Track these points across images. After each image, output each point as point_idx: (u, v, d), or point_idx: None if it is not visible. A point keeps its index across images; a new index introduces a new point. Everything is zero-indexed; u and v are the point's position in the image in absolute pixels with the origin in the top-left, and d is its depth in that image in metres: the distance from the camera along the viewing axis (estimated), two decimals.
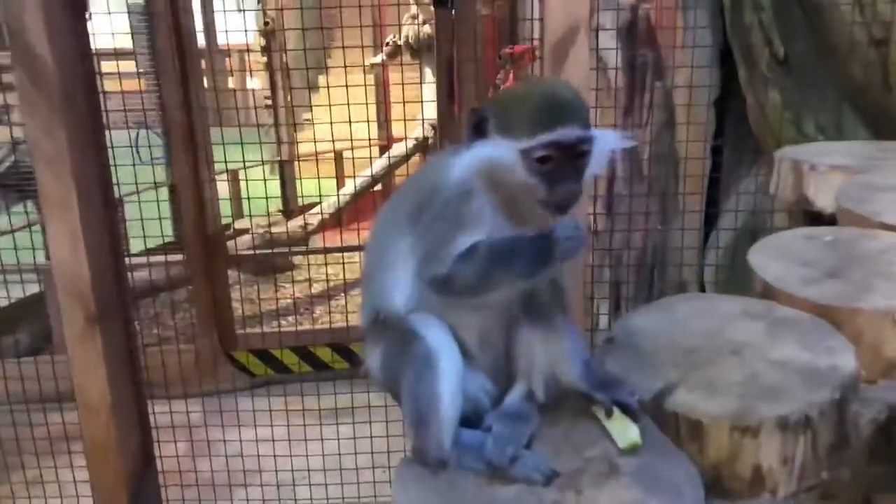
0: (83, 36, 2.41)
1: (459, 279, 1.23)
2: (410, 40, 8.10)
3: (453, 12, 4.43)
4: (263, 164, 5.24)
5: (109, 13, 3.97)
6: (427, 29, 7.77)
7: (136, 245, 4.80)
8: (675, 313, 1.69)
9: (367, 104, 3.54)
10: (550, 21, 2.25)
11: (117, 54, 4.38)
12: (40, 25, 2.19)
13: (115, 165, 2.72)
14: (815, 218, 2.51)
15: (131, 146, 4.70)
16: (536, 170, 1.20)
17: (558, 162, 1.20)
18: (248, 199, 4.61)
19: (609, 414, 1.31)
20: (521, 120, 1.20)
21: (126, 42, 5.03)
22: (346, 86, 3.55)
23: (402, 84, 4.20)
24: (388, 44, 8.24)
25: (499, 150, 1.21)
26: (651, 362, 1.48)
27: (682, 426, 1.34)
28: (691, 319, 1.65)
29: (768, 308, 1.66)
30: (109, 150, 2.56)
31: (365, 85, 3.67)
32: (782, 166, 2.67)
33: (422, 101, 7.60)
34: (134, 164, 3.88)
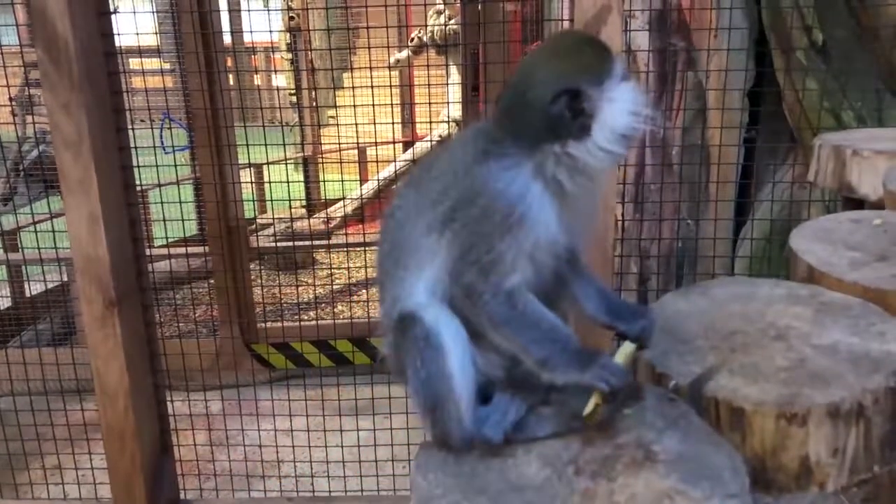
0: (105, 16, 2.38)
1: (489, 317, 1.19)
2: (436, 36, 8.04)
3: (479, 7, 4.37)
4: (287, 161, 5.22)
5: (135, 13, 3.95)
6: (453, 25, 7.70)
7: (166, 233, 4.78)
8: (712, 297, 1.59)
9: (391, 105, 3.47)
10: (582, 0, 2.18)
11: (141, 52, 4.35)
12: (62, 4, 2.16)
13: (139, 166, 2.69)
14: (858, 206, 2.39)
15: (156, 128, 4.69)
16: None
17: None
18: (271, 194, 4.58)
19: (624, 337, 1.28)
20: (600, 59, 1.19)
21: (152, 40, 5.04)
22: (371, 86, 3.50)
23: (428, 84, 4.14)
24: (413, 40, 8.19)
25: (628, 94, 1.19)
26: (688, 346, 1.39)
27: (722, 413, 1.25)
28: (731, 303, 1.55)
29: (813, 292, 1.56)
30: (132, 135, 2.54)
31: (390, 85, 3.60)
32: (822, 152, 2.55)
33: (447, 102, 7.55)
34: (154, 147, 3.83)
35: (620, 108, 1.18)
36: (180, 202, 3.84)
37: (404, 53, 8.34)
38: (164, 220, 3.67)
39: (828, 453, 1.21)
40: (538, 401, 1.26)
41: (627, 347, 1.25)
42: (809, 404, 1.20)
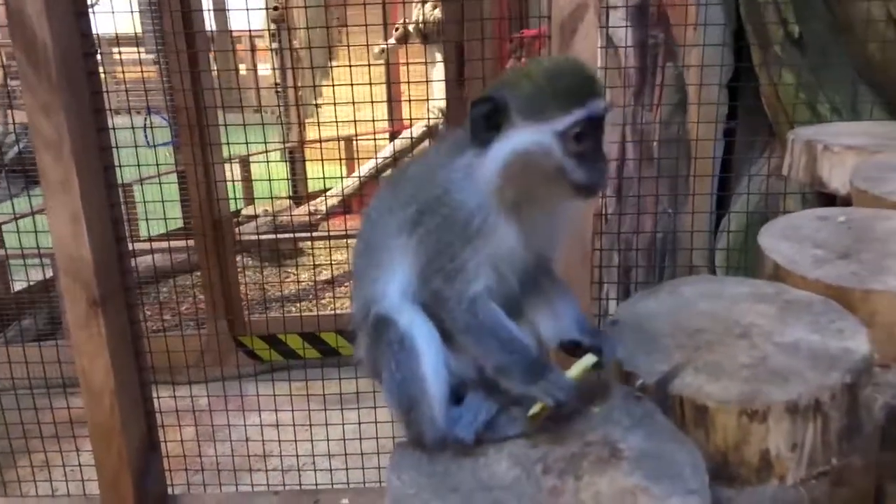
0: (83, 16, 2.38)
1: (453, 323, 1.23)
2: (420, 25, 8.03)
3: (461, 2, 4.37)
4: (267, 153, 5.22)
5: (113, 13, 3.92)
6: (437, 13, 7.69)
7: (148, 230, 4.80)
8: (681, 295, 1.64)
9: (373, 102, 3.49)
10: None
11: (119, 43, 4.32)
12: (39, 5, 2.16)
13: (122, 162, 2.70)
14: (830, 200, 2.44)
15: (139, 127, 4.66)
16: (572, 150, 1.15)
17: (589, 138, 1.15)
18: (254, 190, 4.59)
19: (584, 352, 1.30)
20: (553, 99, 1.14)
21: (133, 30, 5.00)
22: (352, 84, 3.50)
23: (408, 81, 4.15)
24: (397, 28, 8.17)
25: (534, 137, 1.14)
26: (656, 344, 1.43)
27: (687, 410, 1.29)
28: (698, 301, 1.60)
29: (778, 290, 1.61)
30: (113, 134, 2.54)
31: (370, 83, 3.61)
32: (795, 147, 2.60)
33: (427, 99, 7.57)
34: (136, 146, 3.83)
35: (521, 144, 1.15)
36: (162, 201, 3.84)
37: (385, 45, 8.32)
38: (147, 218, 3.68)
39: (787, 448, 1.26)
40: (509, 401, 1.30)
41: (588, 360, 1.28)
42: (769, 401, 1.25)
